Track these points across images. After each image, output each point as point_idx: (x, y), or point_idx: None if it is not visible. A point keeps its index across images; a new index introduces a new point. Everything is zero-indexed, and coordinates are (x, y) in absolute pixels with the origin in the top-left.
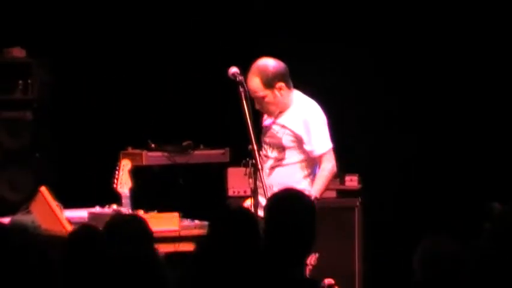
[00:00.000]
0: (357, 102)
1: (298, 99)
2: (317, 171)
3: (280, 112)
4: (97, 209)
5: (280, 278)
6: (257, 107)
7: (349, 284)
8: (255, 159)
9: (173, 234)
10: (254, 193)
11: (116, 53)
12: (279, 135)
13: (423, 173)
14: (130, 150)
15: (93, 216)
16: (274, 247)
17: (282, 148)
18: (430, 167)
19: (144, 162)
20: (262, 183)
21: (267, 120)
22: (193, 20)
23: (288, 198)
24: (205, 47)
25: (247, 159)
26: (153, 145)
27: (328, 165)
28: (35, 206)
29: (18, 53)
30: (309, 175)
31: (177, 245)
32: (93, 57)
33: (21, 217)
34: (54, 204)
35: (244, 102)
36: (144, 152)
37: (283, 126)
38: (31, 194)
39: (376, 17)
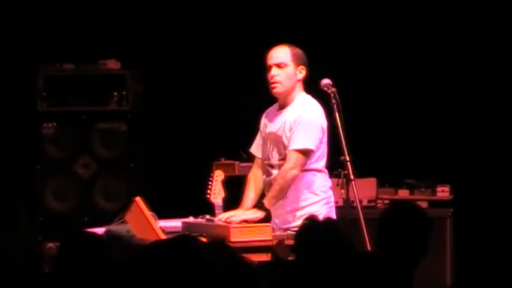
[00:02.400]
0: (449, 113)
1: (302, 98)
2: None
3: (281, 108)
4: (191, 219)
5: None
6: (273, 72)
7: None
8: (348, 170)
9: (266, 244)
10: (345, 204)
11: (207, 63)
12: (279, 132)
13: None
14: (223, 160)
15: (186, 226)
16: (386, 257)
17: (283, 147)
18: None
19: (237, 173)
20: (354, 194)
21: (268, 127)
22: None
23: (402, 211)
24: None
25: (339, 170)
26: (245, 155)
27: (285, 167)
28: (130, 216)
29: (112, 65)
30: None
31: (270, 254)
32: (184, 67)
33: (116, 227)
34: (148, 214)
35: (336, 113)
36: (237, 163)
37: (283, 123)
38: (126, 204)
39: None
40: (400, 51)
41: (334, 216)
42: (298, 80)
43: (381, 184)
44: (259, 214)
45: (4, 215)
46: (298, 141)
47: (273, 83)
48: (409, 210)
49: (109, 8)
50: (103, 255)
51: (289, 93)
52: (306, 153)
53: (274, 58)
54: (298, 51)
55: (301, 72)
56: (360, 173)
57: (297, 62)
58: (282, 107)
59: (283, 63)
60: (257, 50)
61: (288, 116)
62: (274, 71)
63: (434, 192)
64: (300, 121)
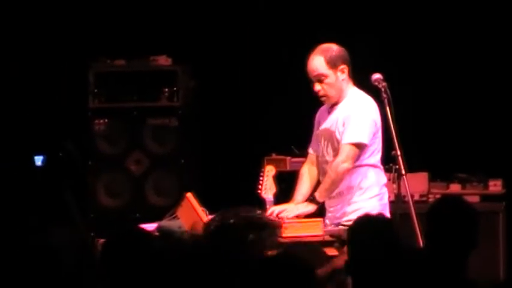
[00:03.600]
0: (502, 106)
1: (353, 93)
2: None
3: (335, 104)
4: None
5: (442, 278)
6: (316, 88)
7: None
8: (399, 165)
9: (317, 239)
10: (397, 198)
11: (258, 57)
12: (333, 128)
13: None
14: (274, 156)
15: None
16: (435, 249)
17: (337, 143)
18: None
19: (288, 168)
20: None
21: (321, 124)
22: None
23: (450, 204)
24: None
25: (391, 164)
26: (296, 151)
27: (337, 160)
28: (181, 212)
29: (163, 61)
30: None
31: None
32: (235, 62)
33: (168, 223)
34: (200, 209)
35: (387, 108)
36: (288, 158)
37: (336, 119)
38: (177, 200)
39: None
40: (451, 43)
41: (387, 213)
42: (343, 80)
43: (432, 178)
44: (311, 207)
45: (58, 211)
46: (351, 135)
47: (320, 97)
48: (456, 204)
49: (160, 4)
50: (148, 252)
51: (339, 96)
52: (359, 146)
53: (311, 72)
54: (332, 52)
55: (343, 72)
56: (411, 168)
57: (335, 65)
58: (335, 104)
59: (322, 74)
60: (307, 44)
61: (340, 112)
62: (316, 86)
63: (486, 186)
64: (353, 116)
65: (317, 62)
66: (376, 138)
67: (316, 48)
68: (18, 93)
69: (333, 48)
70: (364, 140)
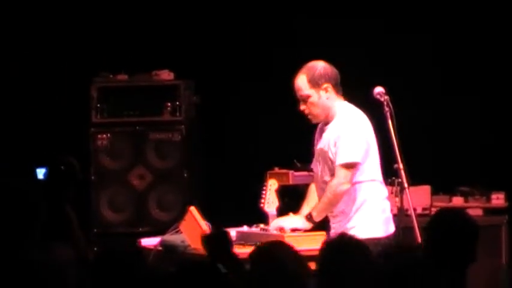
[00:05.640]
0: (503, 119)
1: (342, 111)
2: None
3: (326, 124)
4: (245, 228)
5: None
6: (301, 107)
7: None
8: (401, 178)
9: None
10: (399, 212)
11: (260, 72)
12: (326, 148)
13: None
14: (276, 170)
15: (241, 235)
16: (434, 261)
17: (331, 163)
18: None
19: (291, 182)
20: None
21: (318, 144)
22: None
23: (450, 216)
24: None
25: (393, 178)
26: (299, 165)
27: (334, 182)
28: (184, 226)
29: (166, 75)
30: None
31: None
32: (238, 76)
33: (171, 237)
34: (203, 223)
35: (390, 121)
36: (291, 172)
37: (328, 140)
38: (180, 214)
39: None
40: (453, 55)
41: (392, 226)
42: (328, 98)
43: (435, 192)
44: (307, 225)
45: (59, 227)
46: (343, 156)
47: (306, 116)
48: (455, 216)
49: (163, 20)
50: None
51: (326, 114)
52: (353, 166)
53: (296, 91)
54: (315, 71)
55: (327, 91)
56: (414, 181)
57: (317, 84)
58: (327, 123)
59: (304, 94)
60: (309, 58)
61: (331, 132)
62: (301, 105)
63: (489, 200)
64: (342, 136)
65: (300, 82)
66: (369, 155)
67: (302, 67)
68: (21, 107)
69: (317, 66)
70: (356, 159)
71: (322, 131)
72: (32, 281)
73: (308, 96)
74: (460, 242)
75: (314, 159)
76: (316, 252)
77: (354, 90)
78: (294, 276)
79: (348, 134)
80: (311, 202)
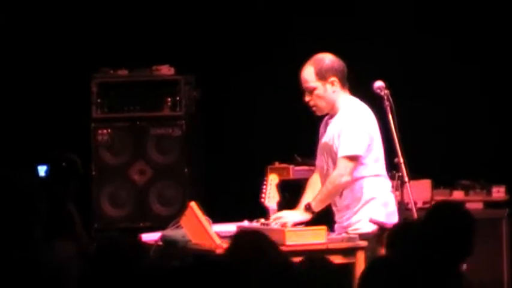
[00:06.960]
0: (504, 112)
1: (347, 104)
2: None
3: (331, 117)
4: (245, 223)
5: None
6: (306, 98)
7: None
8: (402, 172)
9: (321, 247)
10: (400, 206)
11: (261, 67)
12: (330, 142)
13: None
14: (277, 164)
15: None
16: (430, 255)
17: (335, 156)
18: None
19: (291, 177)
20: (409, 197)
21: (322, 137)
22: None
23: (446, 210)
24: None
25: (394, 171)
26: (299, 159)
27: (334, 174)
28: (185, 221)
29: (166, 70)
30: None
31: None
32: (238, 71)
33: (172, 232)
34: (203, 218)
35: (390, 115)
36: (291, 167)
37: (333, 133)
38: (181, 209)
39: None
40: (453, 48)
41: (395, 220)
42: (334, 92)
43: (435, 185)
44: (306, 216)
45: (61, 223)
46: (346, 148)
47: (310, 107)
48: (452, 209)
49: (163, 14)
50: (136, 262)
51: (331, 107)
52: (355, 159)
53: (302, 82)
54: (323, 64)
55: (333, 84)
56: (414, 175)
57: (323, 78)
58: (331, 116)
59: (310, 86)
60: (311, 53)
61: (335, 125)
62: (306, 97)
63: (489, 193)
64: (345, 129)
65: (307, 73)
66: (372, 150)
67: (310, 58)
68: (21, 103)
69: (325, 59)
70: (359, 152)
71: (326, 124)
72: (34, 279)
73: (314, 89)
74: (456, 235)
75: (319, 153)
76: (317, 247)
77: (354, 85)
78: (276, 264)
79: (350, 127)
80: (308, 198)
